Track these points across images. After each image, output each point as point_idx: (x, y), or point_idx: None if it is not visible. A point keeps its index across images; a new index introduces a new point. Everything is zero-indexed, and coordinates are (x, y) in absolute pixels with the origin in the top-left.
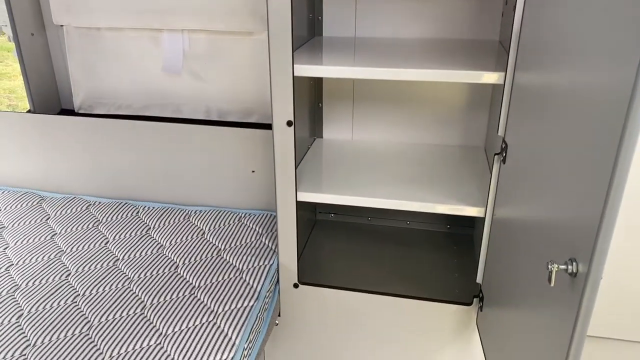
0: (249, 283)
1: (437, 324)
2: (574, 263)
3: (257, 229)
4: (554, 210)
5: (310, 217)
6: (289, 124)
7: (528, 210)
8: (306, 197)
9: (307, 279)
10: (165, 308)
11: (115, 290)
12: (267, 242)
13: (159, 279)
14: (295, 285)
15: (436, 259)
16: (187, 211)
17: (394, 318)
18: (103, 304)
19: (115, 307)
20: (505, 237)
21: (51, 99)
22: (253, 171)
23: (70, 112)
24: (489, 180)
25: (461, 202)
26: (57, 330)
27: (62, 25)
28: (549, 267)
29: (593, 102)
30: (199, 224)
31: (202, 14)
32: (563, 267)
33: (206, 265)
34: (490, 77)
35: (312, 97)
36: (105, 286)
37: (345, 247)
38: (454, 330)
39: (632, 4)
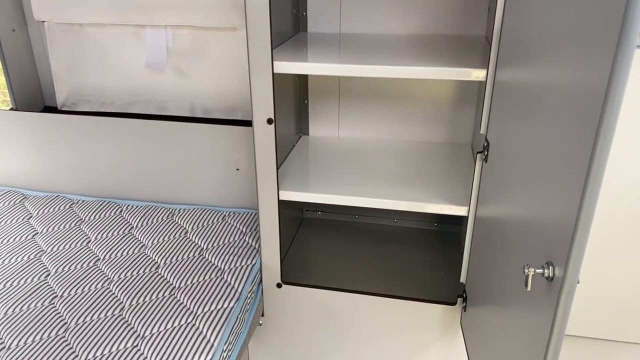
0: (230, 283)
1: (422, 323)
2: (550, 267)
3: (240, 227)
4: (532, 211)
5: (297, 215)
6: (270, 121)
7: (507, 210)
8: (289, 196)
9: (291, 279)
10: (143, 309)
11: (94, 291)
12: (250, 242)
13: (139, 279)
14: (279, 285)
15: (423, 257)
16: (170, 210)
17: (378, 318)
18: (81, 305)
19: (93, 308)
20: (486, 237)
21: (34, 96)
22: (237, 169)
23: (54, 110)
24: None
25: (447, 202)
26: (32, 333)
27: (43, 21)
28: (526, 271)
29: (567, 102)
30: (182, 223)
31: (185, 9)
32: (540, 271)
33: (187, 265)
34: (478, 74)
35: (297, 94)
36: (84, 287)
37: (332, 246)
38: (439, 329)
39: (604, 1)
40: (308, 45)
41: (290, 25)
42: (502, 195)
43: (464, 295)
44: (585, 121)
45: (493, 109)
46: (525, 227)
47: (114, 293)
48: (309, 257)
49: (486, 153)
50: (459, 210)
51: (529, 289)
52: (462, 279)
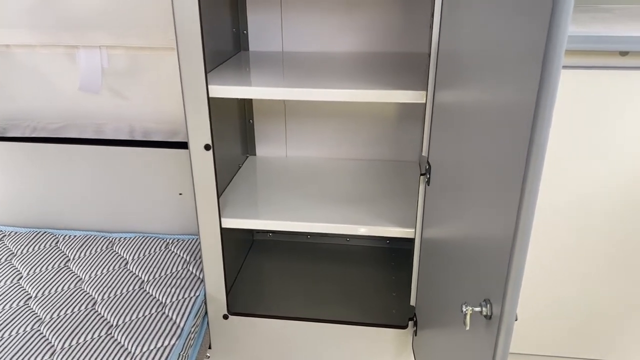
0: (171, 319)
1: (375, 348)
2: (488, 305)
3: (184, 256)
4: (469, 240)
5: (247, 237)
6: (207, 147)
7: (448, 237)
8: (233, 223)
9: (239, 309)
10: (77, 353)
11: (23, 334)
12: (194, 271)
13: (74, 318)
14: (225, 317)
15: (375, 277)
16: (110, 239)
17: (331, 345)
18: (7, 352)
19: (21, 354)
20: (432, 262)
21: None
22: (180, 194)
23: None
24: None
25: (395, 224)
26: None
27: None
28: (464, 309)
29: (499, 124)
30: (122, 253)
31: (120, 29)
32: (477, 309)
33: (127, 301)
34: (417, 97)
35: (241, 113)
36: (12, 330)
37: (283, 269)
38: (392, 354)
39: (529, 20)
40: (249, 66)
41: (230, 44)
42: (444, 220)
43: (415, 319)
44: (516, 147)
45: (433, 130)
46: (464, 258)
47: (44, 335)
48: (259, 284)
49: (428, 176)
50: (407, 233)
51: (467, 328)
52: (412, 302)
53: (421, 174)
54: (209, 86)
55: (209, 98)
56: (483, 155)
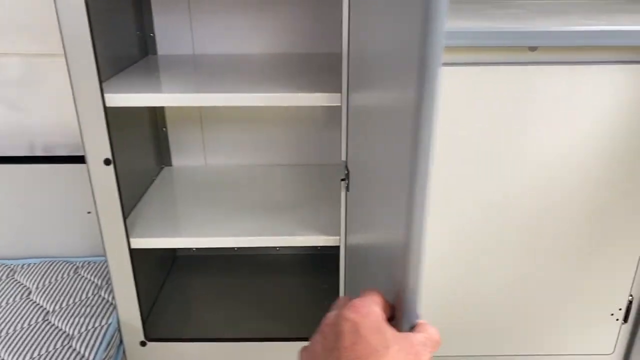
0: (79, 352)
1: None
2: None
3: (95, 280)
4: (377, 252)
5: (167, 254)
6: (107, 162)
7: (363, 247)
8: (145, 243)
9: (159, 334)
10: None
11: None
12: (106, 296)
13: None
14: (143, 344)
15: (306, 287)
16: (11, 267)
17: None
18: None
19: None
20: (353, 271)
21: None
22: (89, 212)
23: None
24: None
25: (321, 232)
26: None
27: None
28: None
29: (394, 127)
30: (24, 282)
31: (10, 33)
32: None
33: (28, 336)
34: (332, 99)
35: (153, 121)
36: None
37: (209, 286)
38: None
39: (407, 16)
40: (158, 70)
41: (135, 48)
42: (359, 228)
43: None
44: (406, 149)
45: (350, 133)
46: (374, 267)
47: None
48: (181, 304)
49: (347, 181)
50: (333, 241)
51: None
52: None
53: (341, 180)
54: (105, 95)
55: (105, 108)
56: (382, 159)
